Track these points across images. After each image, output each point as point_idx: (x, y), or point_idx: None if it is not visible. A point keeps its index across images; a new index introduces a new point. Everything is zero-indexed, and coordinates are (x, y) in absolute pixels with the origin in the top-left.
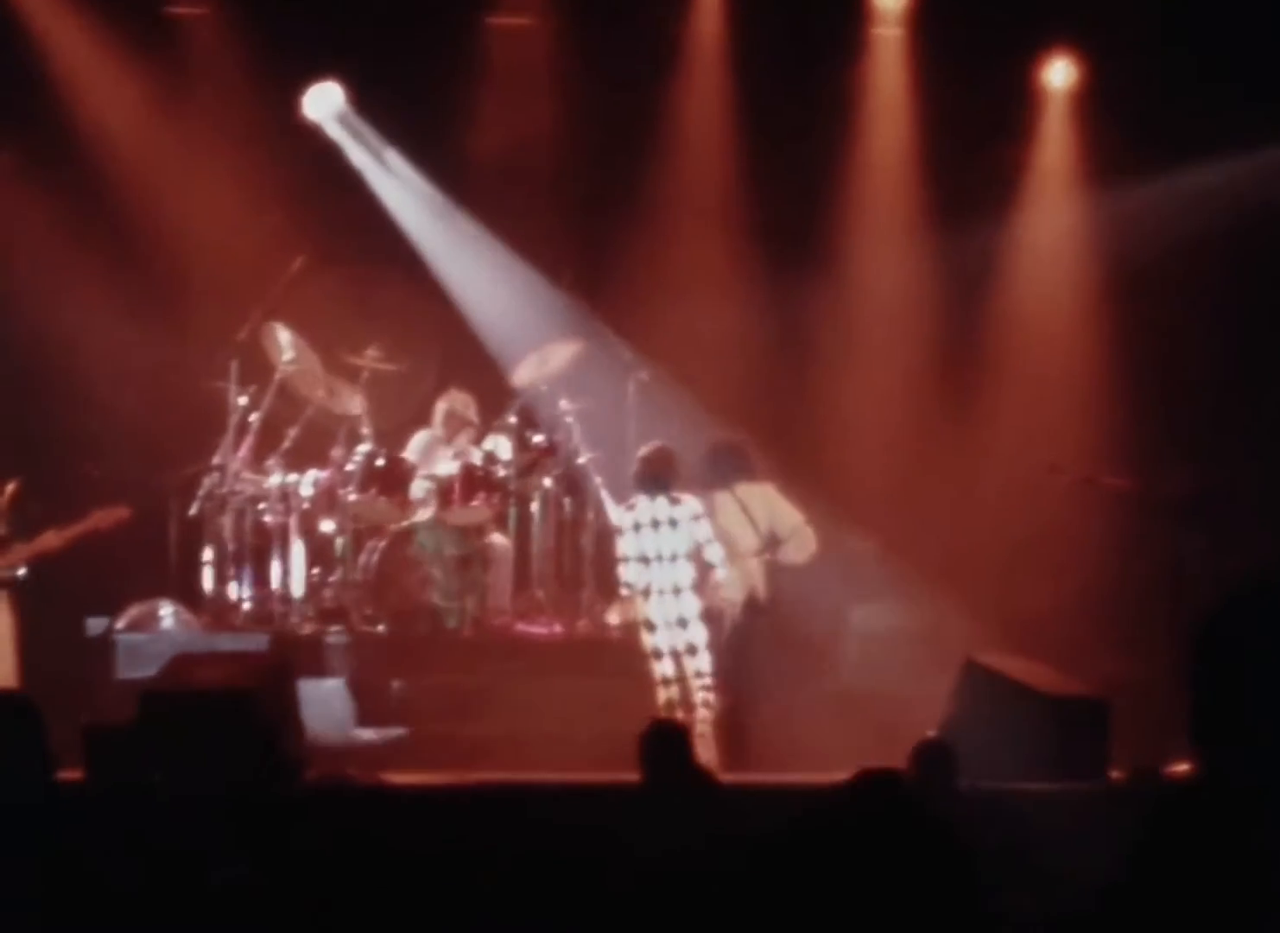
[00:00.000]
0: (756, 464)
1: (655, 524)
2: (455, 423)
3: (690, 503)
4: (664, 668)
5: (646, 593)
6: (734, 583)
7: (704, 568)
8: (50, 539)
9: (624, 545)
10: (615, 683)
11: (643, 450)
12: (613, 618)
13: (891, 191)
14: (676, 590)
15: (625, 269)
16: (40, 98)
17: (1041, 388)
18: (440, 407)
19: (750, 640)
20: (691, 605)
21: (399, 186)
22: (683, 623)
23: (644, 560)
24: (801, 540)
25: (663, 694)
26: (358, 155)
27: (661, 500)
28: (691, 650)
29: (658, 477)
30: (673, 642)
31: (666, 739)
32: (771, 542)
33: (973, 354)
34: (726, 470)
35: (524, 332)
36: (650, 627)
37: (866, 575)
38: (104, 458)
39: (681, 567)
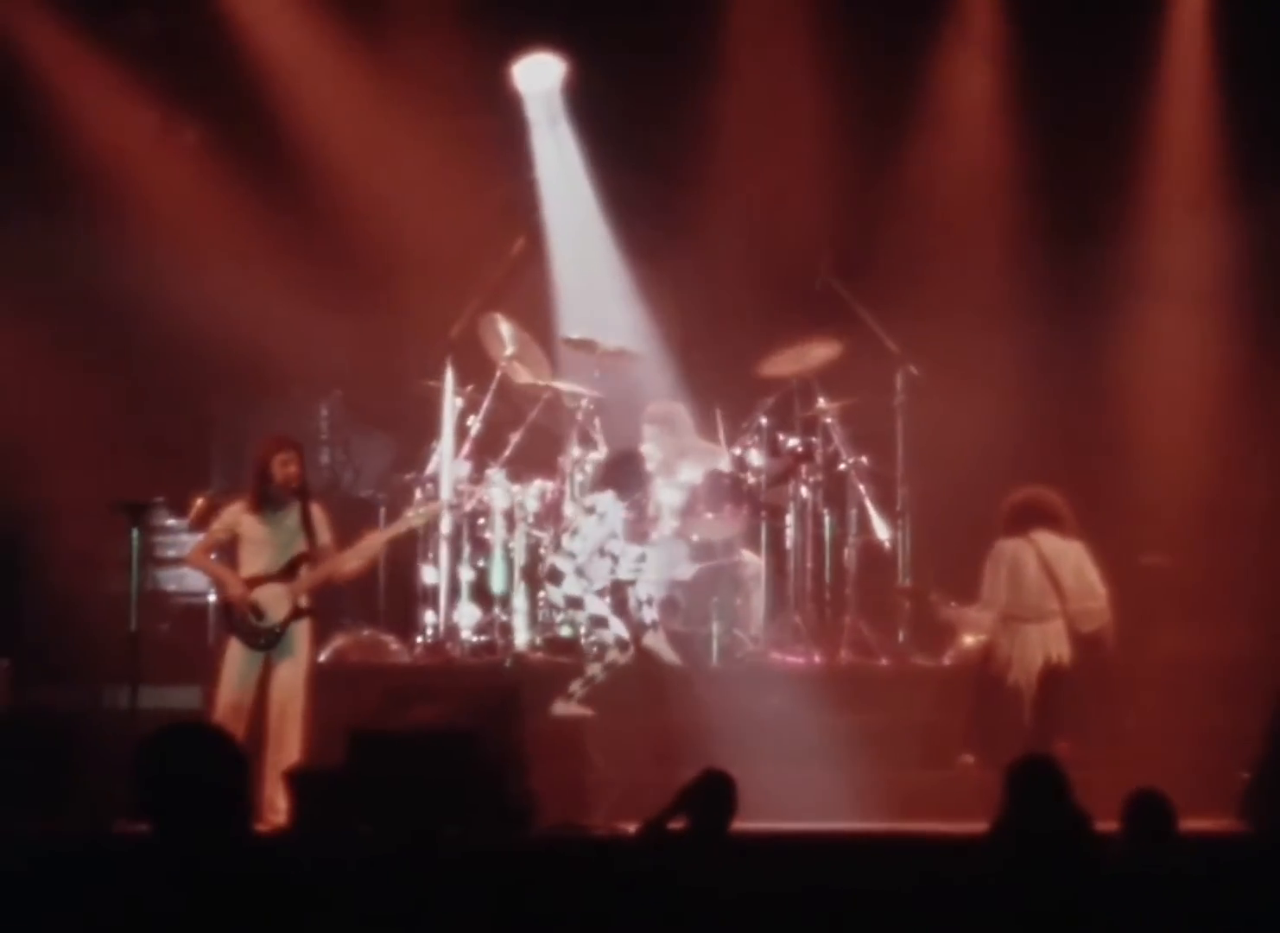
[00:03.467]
0: (1065, 516)
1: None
2: (667, 441)
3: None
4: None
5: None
6: (1027, 648)
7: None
8: (374, 539)
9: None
10: (884, 719)
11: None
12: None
13: (1195, 163)
14: None
15: (892, 253)
16: (227, 67)
17: None
18: (647, 415)
19: (1050, 715)
20: None
21: (567, 196)
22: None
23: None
24: (1095, 614)
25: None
26: (544, 149)
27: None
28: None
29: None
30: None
31: (1041, 774)
32: (1075, 602)
33: None
34: (1030, 519)
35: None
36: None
37: (1166, 596)
38: (307, 467)
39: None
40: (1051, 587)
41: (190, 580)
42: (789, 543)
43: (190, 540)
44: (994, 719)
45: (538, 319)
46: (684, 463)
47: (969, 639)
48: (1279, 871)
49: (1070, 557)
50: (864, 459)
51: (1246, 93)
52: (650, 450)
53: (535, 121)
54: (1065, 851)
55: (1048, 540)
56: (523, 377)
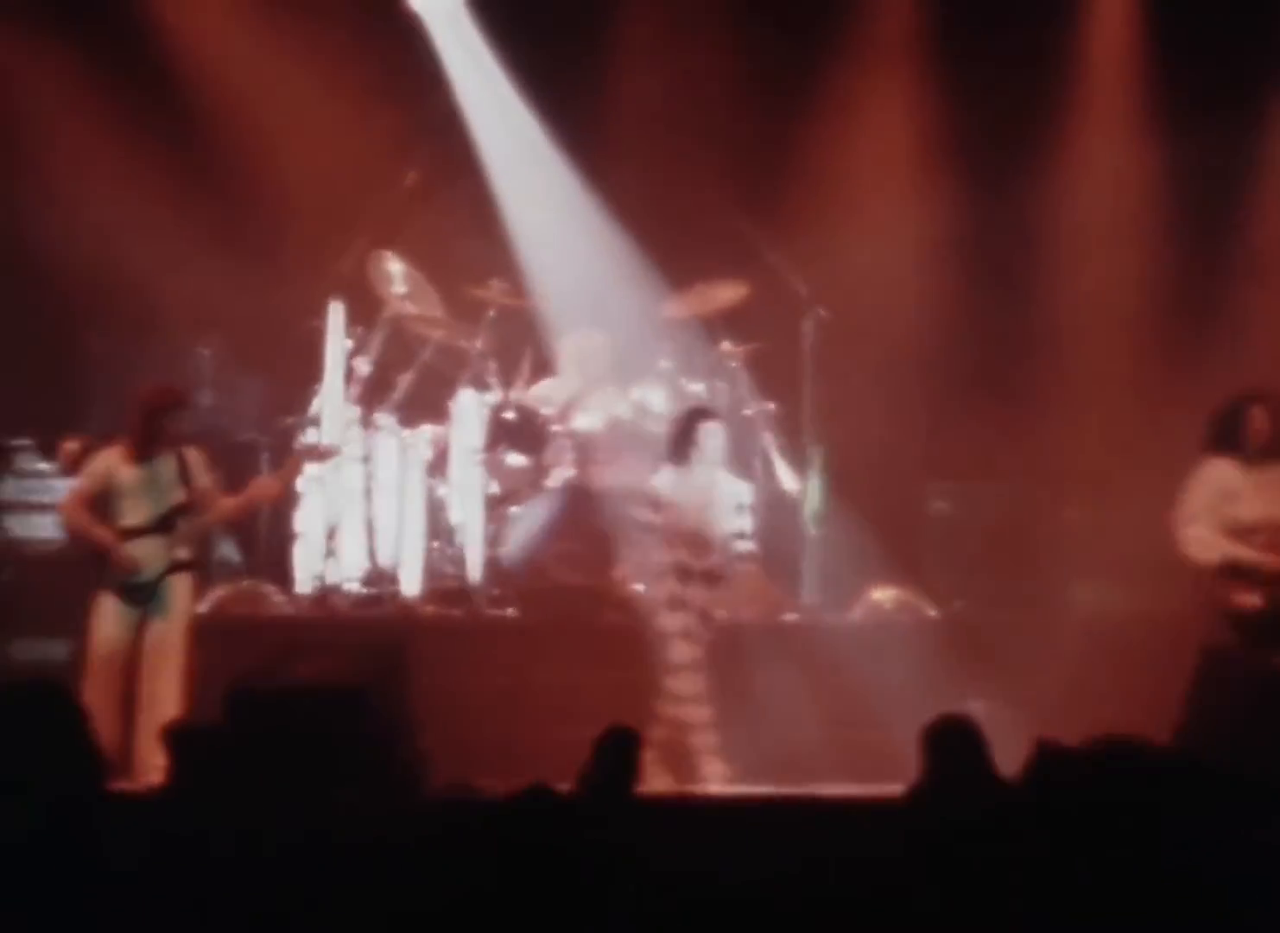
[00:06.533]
0: None
1: None
2: (586, 369)
3: None
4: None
5: None
6: None
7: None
8: (263, 487)
9: None
10: (782, 677)
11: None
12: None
13: (1117, 87)
14: None
15: (799, 190)
16: None
17: None
18: (567, 348)
19: None
20: None
21: (493, 106)
22: None
23: None
24: None
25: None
26: (459, 68)
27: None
28: None
29: None
30: None
31: (960, 734)
32: None
33: (1219, 281)
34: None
35: (669, 268)
36: None
37: (1084, 550)
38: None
39: None
40: None
41: (51, 528)
42: None
43: (62, 486)
44: None
45: (432, 258)
46: (582, 408)
47: (877, 594)
48: None
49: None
50: (770, 406)
51: (1173, 22)
52: (553, 389)
53: (442, 43)
54: (983, 812)
55: None
56: (411, 320)
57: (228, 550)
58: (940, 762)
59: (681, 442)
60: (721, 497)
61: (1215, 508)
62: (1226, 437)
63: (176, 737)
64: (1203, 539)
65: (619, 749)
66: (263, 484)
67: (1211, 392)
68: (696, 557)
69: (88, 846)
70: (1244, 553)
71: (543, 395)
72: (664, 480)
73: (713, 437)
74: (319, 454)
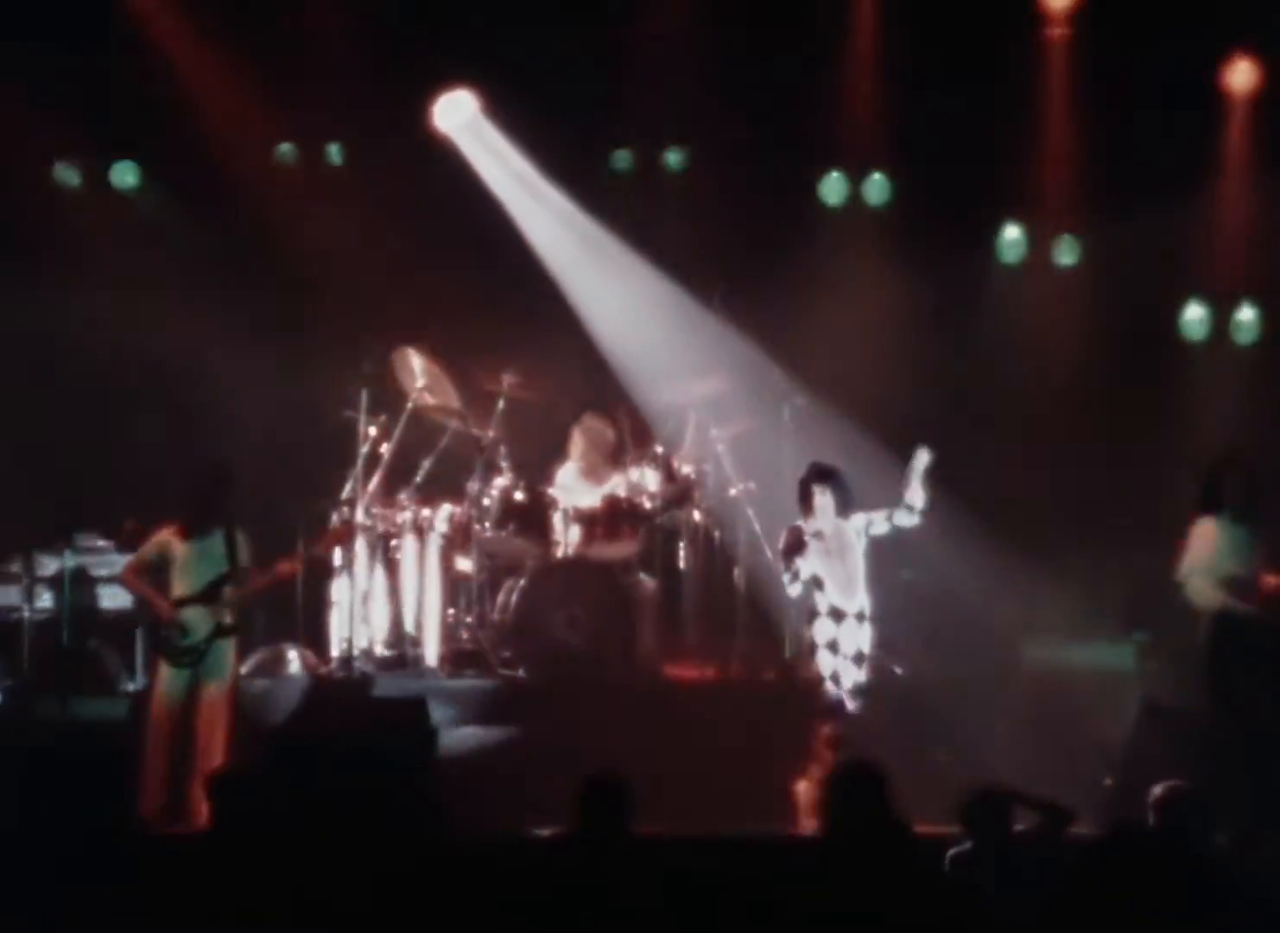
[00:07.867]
0: None
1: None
2: (593, 450)
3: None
4: None
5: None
6: None
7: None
8: (285, 566)
9: None
10: (774, 731)
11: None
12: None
13: (1062, 183)
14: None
15: (779, 286)
16: (157, 112)
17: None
18: (575, 434)
19: None
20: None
21: (533, 202)
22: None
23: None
24: None
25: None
26: (489, 169)
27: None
28: None
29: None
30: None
31: (860, 783)
32: None
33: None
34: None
35: (667, 359)
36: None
37: (1042, 607)
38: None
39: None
40: None
41: (120, 598)
42: (682, 564)
43: (120, 560)
44: None
45: (450, 354)
46: (586, 485)
47: None
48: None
49: None
50: (752, 485)
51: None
52: (566, 473)
53: (471, 156)
54: (886, 853)
55: None
56: (431, 409)
57: (267, 618)
58: (841, 807)
59: (802, 504)
60: (855, 542)
61: (1212, 563)
62: (1213, 498)
63: (217, 785)
64: (1203, 590)
65: (604, 796)
66: (284, 566)
67: (1144, 462)
68: (847, 599)
69: (129, 883)
70: (1236, 603)
71: (564, 483)
72: (798, 534)
73: (821, 496)
74: (341, 537)
